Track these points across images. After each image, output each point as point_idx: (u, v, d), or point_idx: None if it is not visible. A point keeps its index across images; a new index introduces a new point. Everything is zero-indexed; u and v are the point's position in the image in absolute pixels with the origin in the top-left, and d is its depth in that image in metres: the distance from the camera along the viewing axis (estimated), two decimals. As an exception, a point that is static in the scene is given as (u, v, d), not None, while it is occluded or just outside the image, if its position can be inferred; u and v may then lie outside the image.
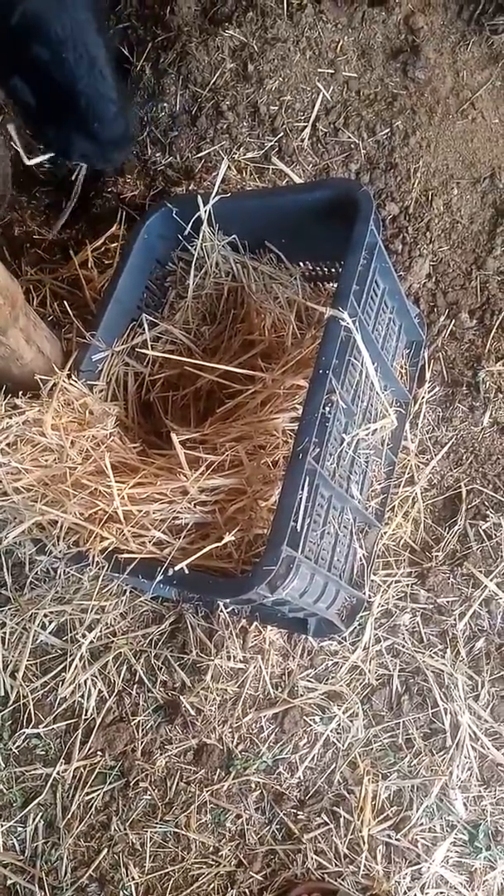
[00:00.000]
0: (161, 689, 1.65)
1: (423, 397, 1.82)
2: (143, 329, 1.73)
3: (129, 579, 1.43)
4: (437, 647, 1.61)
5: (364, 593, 1.62)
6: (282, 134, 2.09)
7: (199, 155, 2.07)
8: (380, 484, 1.72)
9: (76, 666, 1.64)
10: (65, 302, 1.76)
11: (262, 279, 1.83)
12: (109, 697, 1.65)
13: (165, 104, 2.14)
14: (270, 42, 2.15)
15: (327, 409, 1.35)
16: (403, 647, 1.62)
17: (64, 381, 1.53)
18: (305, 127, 2.09)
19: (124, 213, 2.00)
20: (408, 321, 1.80)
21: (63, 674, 1.66)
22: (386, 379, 1.69)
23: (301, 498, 1.28)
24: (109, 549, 1.36)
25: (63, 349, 1.66)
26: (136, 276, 1.76)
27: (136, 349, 1.73)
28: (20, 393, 1.53)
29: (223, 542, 1.33)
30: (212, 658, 1.63)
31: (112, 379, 1.69)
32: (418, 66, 2.12)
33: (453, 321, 1.89)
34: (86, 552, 1.37)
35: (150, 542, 1.38)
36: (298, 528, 1.28)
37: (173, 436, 1.47)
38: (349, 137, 2.07)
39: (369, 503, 1.69)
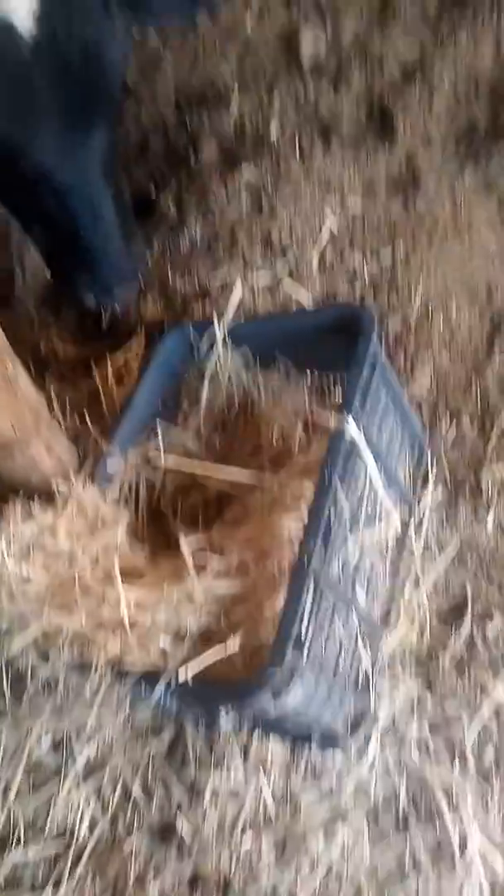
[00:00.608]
0: (157, 809, 1.60)
1: (426, 500, 1.86)
2: (157, 438, 1.84)
3: (131, 690, 1.45)
4: (445, 760, 1.56)
5: (369, 702, 1.60)
6: (292, 259, 2.26)
7: (216, 278, 2.25)
8: (385, 588, 1.73)
9: (70, 785, 1.62)
10: (84, 413, 1.88)
11: (271, 390, 1.93)
12: (102, 818, 1.60)
13: (186, 233, 2.36)
14: (283, 179, 2.38)
15: (333, 513, 1.40)
16: (410, 759, 1.57)
17: (79, 489, 1.62)
18: (314, 253, 2.27)
19: (144, 331, 2.17)
20: (410, 427, 1.87)
21: (56, 793, 1.63)
22: (390, 482, 1.73)
23: (305, 603, 1.31)
24: (113, 659, 1.39)
25: (80, 458, 1.76)
26: (153, 389, 1.88)
27: (150, 457, 1.82)
28: (36, 498, 1.62)
29: (227, 648, 1.35)
30: (211, 774, 1.59)
31: (125, 486, 1.77)
32: (419, 197, 2.31)
33: (455, 427, 1.95)
34: (89, 661, 1.39)
35: (154, 650, 1.40)
36: (303, 633, 1.29)
37: (181, 539, 1.52)
38: (354, 262, 2.23)
39: (374, 606, 1.70)
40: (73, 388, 2.09)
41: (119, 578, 1.45)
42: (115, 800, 1.62)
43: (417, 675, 1.67)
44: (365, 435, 1.50)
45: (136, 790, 1.62)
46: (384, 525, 1.65)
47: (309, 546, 1.35)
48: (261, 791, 1.56)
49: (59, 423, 1.77)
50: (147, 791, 1.62)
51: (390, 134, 2.43)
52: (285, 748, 1.60)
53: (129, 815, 1.60)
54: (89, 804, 1.61)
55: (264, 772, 1.58)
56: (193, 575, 1.48)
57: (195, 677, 1.32)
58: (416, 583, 1.77)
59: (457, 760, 1.54)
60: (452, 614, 1.73)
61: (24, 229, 1.62)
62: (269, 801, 1.55)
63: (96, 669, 1.37)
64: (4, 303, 2.38)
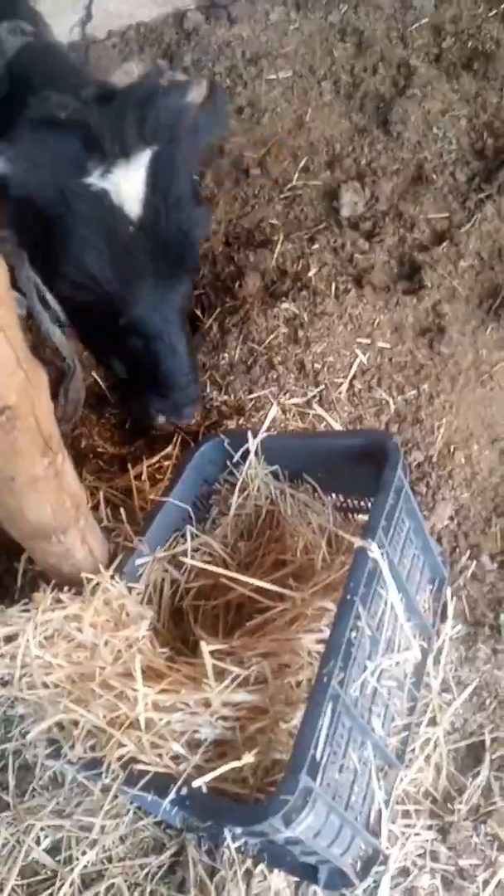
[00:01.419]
0: (152, 933, 1.49)
1: (446, 634, 1.86)
2: (186, 539, 1.87)
3: (138, 796, 1.39)
4: (459, 920, 1.46)
5: (381, 843, 1.52)
6: (323, 387, 2.40)
7: (251, 397, 2.38)
8: (402, 720, 1.70)
9: (65, 893, 1.51)
10: (120, 509, 1.93)
11: (297, 505, 1.99)
12: (95, 937, 1.49)
13: (226, 355, 2.51)
14: (318, 315, 2.57)
15: (353, 634, 1.41)
16: (421, 914, 1.48)
17: (107, 582, 1.63)
18: (343, 383, 2.41)
19: (180, 437, 2.26)
20: (431, 558, 1.91)
21: (51, 901, 1.52)
22: (410, 612, 1.75)
23: (323, 724, 1.29)
24: (126, 758, 1.35)
25: (110, 552, 1.78)
26: (185, 492, 1.94)
27: (177, 557, 1.85)
28: (65, 588, 1.63)
29: (241, 762, 1.31)
30: (211, 902, 1.49)
31: (150, 583, 1.78)
32: (443, 343, 2.49)
33: (475, 563, 1.99)
34: (101, 758, 1.35)
35: (167, 754, 1.36)
36: (318, 757, 1.27)
37: (202, 644, 1.52)
38: (381, 395, 2.37)
39: (390, 740, 1.66)
40: (109, 483, 2.14)
41: (140, 677, 1.44)
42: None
43: (431, 819, 1.60)
44: (387, 559, 1.54)
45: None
46: (403, 653, 1.64)
47: (329, 664, 1.35)
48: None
49: (95, 517, 1.80)
50: (143, 913, 1.51)
51: (419, 286, 2.65)
52: (289, 885, 1.50)
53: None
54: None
55: (266, 909, 1.47)
56: (213, 682, 1.46)
57: (206, 787, 1.28)
58: (433, 720, 1.74)
59: (471, 922, 1.45)
60: (469, 758, 1.69)
61: (101, 362, 1.78)
62: (269, 943, 1.44)
63: (108, 768, 1.33)
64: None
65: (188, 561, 1.82)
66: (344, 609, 1.43)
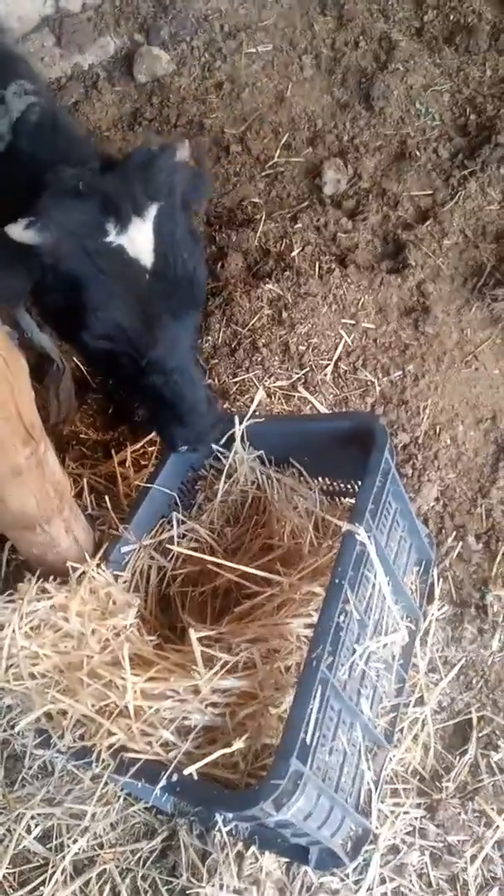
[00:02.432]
0: (144, 917, 1.50)
1: (432, 615, 1.87)
2: (172, 526, 1.85)
3: (129, 783, 1.39)
4: (447, 895, 1.49)
5: (371, 823, 1.54)
6: (308, 369, 2.38)
7: (235, 380, 2.35)
8: (390, 702, 1.71)
9: (56, 881, 1.51)
10: (104, 496, 1.91)
11: (284, 490, 1.98)
12: (87, 923, 1.50)
13: (210, 338, 2.48)
14: (302, 296, 2.54)
15: (342, 618, 1.41)
16: (410, 890, 1.50)
17: (93, 571, 1.62)
18: (328, 365, 2.39)
19: (163, 423, 2.23)
20: (417, 540, 1.91)
21: (42, 888, 1.52)
22: (397, 594, 1.76)
23: (312, 708, 1.29)
24: (116, 746, 1.34)
25: (95, 540, 1.77)
26: (171, 478, 1.92)
27: (163, 544, 1.83)
28: (50, 577, 1.61)
29: (232, 748, 1.32)
30: (203, 885, 1.51)
31: (137, 571, 1.77)
32: (428, 323, 2.48)
33: (461, 543, 2.00)
34: (91, 747, 1.35)
35: (157, 741, 1.36)
36: (308, 740, 1.27)
37: (191, 632, 1.51)
38: (366, 376, 2.36)
39: (378, 721, 1.67)
40: (92, 470, 2.12)
41: (128, 665, 1.43)
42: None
43: (420, 797, 1.62)
44: (375, 542, 1.54)
45: (125, 895, 1.51)
46: (391, 635, 1.65)
47: (318, 648, 1.35)
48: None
49: (79, 504, 1.78)
50: (135, 896, 1.52)
51: (403, 265, 2.63)
52: (280, 866, 1.52)
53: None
54: (74, 905, 1.50)
55: (258, 889, 1.49)
56: (202, 669, 1.46)
57: (196, 774, 1.28)
58: (421, 700, 1.75)
59: (459, 896, 1.47)
60: (456, 737, 1.71)
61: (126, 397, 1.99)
62: (262, 923, 1.46)
63: (97, 757, 1.32)
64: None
65: (175, 548, 1.81)
66: (332, 593, 1.42)
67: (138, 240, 1.57)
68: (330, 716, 1.41)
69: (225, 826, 1.47)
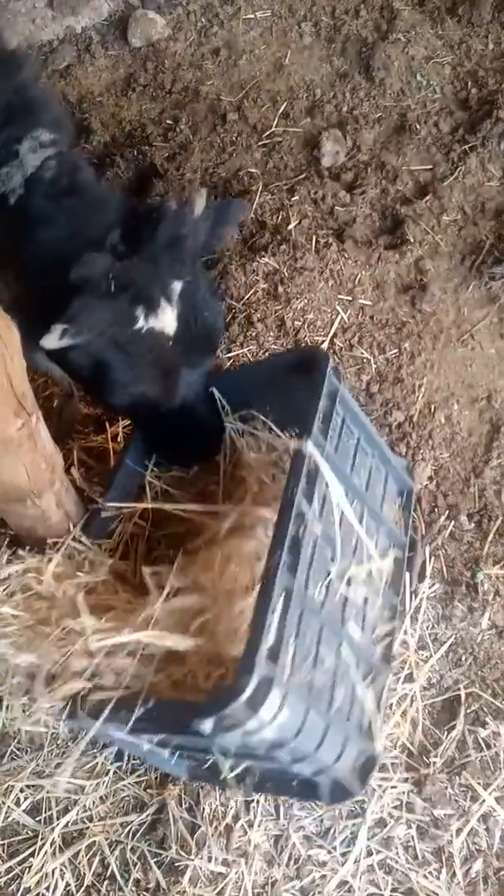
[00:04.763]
0: (133, 887, 1.51)
1: (423, 593, 1.88)
2: (146, 489, 1.86)
3: (106, 735, 1.37)
4: (433, 867, 1.51)
5: (375, 749, 1.51)
6: (303, 345, 2.35)
7: (229, 356, 2.32)
8: (384, 628, 1.70)
9: (46, 852, 1.52)
10: (93, 467, 1.90)
11: (253, 442, 1.95)
12: (77, 892, 1.51)
13: (204, 311, 2.44)
14: (299, 270, 2.50)
15: (301, 529, 1.38)
16: (396, 862, 1.52)
17: (73, 541, 1.62)
18: (324, 341, 2.37)
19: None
20: (394, 470, 1.91)
21: (31, 859, 1.53)
22: (377, 521, 1.75)
23: (275, 614, 1.27)
24: (84, 692, 1.34)
25: (84, 513, 1.75)
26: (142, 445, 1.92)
27: (140, 507, 1.83)
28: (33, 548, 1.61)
29: (182, 646, 1.33)
30: (192, 857, 1.52)
31: (124, 539, 1.77)
32: (425, 300, 2.45)
33: (453, 522, 2.00)
34: (62, 696, 1.33)
35: (123, 672, 1.36)
36: (276, 644, 1.25)
37: (144, 569, 1.53)
38: (362, 353, 2.34)
39: (374, 648, 1.66)
40: (82, 444, 2.10)
41: (83, 603, 1.45)
42: (91, 875, 1.52)
43: (408, 772, 1.63)
44: (337, 468, 1.52)
45: (114, 866, 1.52)
46: (375, 563, 1.63)
47: (275, 556, 1.33)
48: (242, 878, 1.48)
49: (69, 477, 1.77)
50: (124, 868, 1.54)
51: (401, 241, 2.59)
52: (269, 839, 1.53)
53: (104, 892, 1.51)
54: (64, 876, 1.51)
55: (246, 861, 1.50)
56: (154, 593, 1.47)
57: (168, 700, 1.29)
58: (410, 677, 1.76)
59: (444, 869, 1.50)
60: (445, 713, 1.72)
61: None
62: (250, 891, 1.47)
63: (68, 706, 1.32)
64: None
65: (144, 505, 1.82)
66: (285, 503, 1.41)
67: (165, 317, 1.61)
68: (309, 634, 1.39)
69: (231, 773, 1.45)
